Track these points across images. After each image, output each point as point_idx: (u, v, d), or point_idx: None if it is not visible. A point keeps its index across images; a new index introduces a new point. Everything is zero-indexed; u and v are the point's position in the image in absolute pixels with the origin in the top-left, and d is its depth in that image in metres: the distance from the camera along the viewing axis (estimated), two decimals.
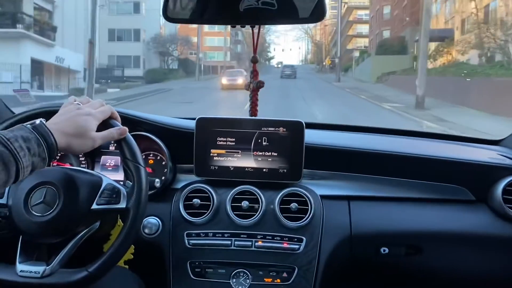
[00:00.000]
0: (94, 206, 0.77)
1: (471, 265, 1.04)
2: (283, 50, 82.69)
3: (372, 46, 32.53)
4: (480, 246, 1.02)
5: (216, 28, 39.89)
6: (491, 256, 1.03)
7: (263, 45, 59.75)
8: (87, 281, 0.76)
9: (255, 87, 0.79)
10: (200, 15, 0.83)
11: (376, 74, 22.61)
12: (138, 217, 0.80)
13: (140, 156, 0.82)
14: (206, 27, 41.83)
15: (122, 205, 0.79)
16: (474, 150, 1.22)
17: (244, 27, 0.74)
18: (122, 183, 0.86)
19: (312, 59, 71.25)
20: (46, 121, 0.76)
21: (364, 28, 44.00)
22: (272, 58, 69.39)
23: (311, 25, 54.65)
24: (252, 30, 0.72)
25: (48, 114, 0.82)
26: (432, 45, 17.91)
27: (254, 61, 0.77)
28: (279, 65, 47.08)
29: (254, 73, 0.78)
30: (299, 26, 53.19)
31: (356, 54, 38.50)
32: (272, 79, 23.59)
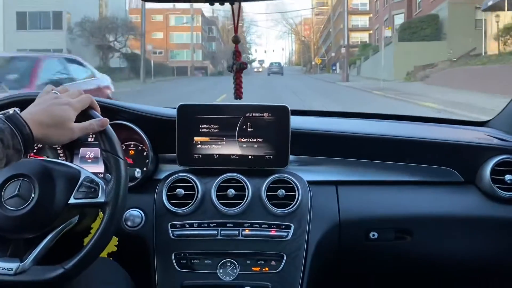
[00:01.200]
0: (72, 200, 0.75)
1: (460, 247, 1.04)
2: (265, 52, 76.37)
3: (377, 37, 26.78)
4: (469, 228, 1.03)
5: (185, 19, 36.35)
6: (481, 238, 1.04)
7: (243, 45, 57.31)
8: (62, 279, 0.73)
9: (238, 68, 0.77)
10: None
11: (402, 68, 16.31)
12: (117, 212, 0.78)
13: (119, 148, 0.81)
14: (172, 21, 38.08)
15: (101, 199, 0.76)
16: (462, 131, 1.23)
17: (223, 4, 0.72)
18: (101, 175, 0.85)
19: (297, 60, 66.71)
20: (20, 111, 0.73)
21: (360, 20, 38.76)
22: (253, 60, 63.28)
23: (296, 21, 52.12)
24: (232, 7, 0.70)
25: (23, 103, 0.80)
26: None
27: (236, 41, 0.75)
28: (260, 69, 42.47)
29: (236, 54, 0.76)
30: (284, 21, 51.31)
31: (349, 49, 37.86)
32: (255, 86, 16.04)
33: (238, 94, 0.85)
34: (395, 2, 24.28)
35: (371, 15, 35.87)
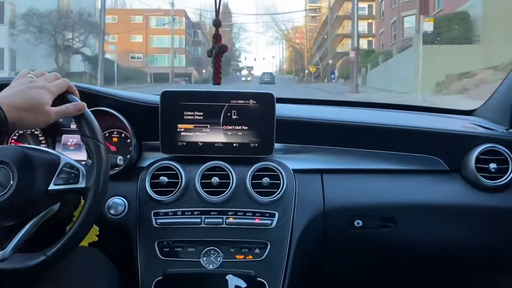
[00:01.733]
0: (52, 187, 0.79)
1: (444, 235, 1.12)
2: (255, 59, 77.83)
3: (382, 42, 25.52)
4: (453, 216, 1.11)
5: (167, 21, 34.26)
6: (465, 226, 1.12)
7: (232, 51, 51.92)
8: (44, 266, 0.78)
9: (217, 51, 0.86)
10: None
11: (429, 77, 13.14)
12: (99, 197, 0.82)
13: (99, 133, 0.85)
14: (153, 22, 36.22)
15: (82, 184, 0.81)
16: (447, 120, 1.32)
17: None
18: (84, 162, 0.88)
19: (288, 69, 65.45)
20: None
21: (359, 25, 38.06)
22: (242, 68, 61.61)
23: (288, 26, 50.49)
24: None
25: None
26: None
27: (216, 24, 0.84)
28: (249, 77, 39.53)
29: (217, 38, 0.86)
30: (275, 27, 50.01)
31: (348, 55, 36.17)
32: None
33: (216, 80, 0.93)
34: (405, 2, 21.99)
35: (370, 20, 34.56)
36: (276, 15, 47.90)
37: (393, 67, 17.81)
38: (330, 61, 35.71)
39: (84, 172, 0.82)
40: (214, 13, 0.87)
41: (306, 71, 41.87)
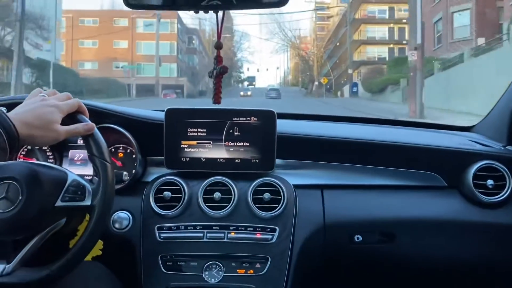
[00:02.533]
0: (59, 203, 0.91)
1: (443, 251, 1.27)
2: (258, 70, 78.55)
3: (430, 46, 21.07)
4: (452, 232, 1.26)
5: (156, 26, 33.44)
6: (463, 242, 1.26)
7: (233, 61, 50.21)
8: (48, 280, 0.90)
9: (218, 72, 1.08)
10: (162, 0, 1.01)
11: None
12: (104, 215, 0.95)
13: (107, 152, 0.98)
14: (141, 27, 35.77)
15: (87, 202, 0.94)
16: (445, 136, 1.48)
17: (207, 12, 0.93)
18: (90, 178, 1.02)
19: (293, 80, 65.81)
20: (7, 111, 0.90)
21: (378, 31, 36.39)
22: (244, 80, 61.85)
23: (296, 34, 49.48)
24: (216, 15, 1.01)
25: (11, 105, 0.98)
26: None
27: (218, 47, 1.05)
28: (249, 92, 37.26)
29: (218, 59, 1.05)
30: (281, 34, 47.50)
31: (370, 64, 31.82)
32: None
33: (216, 99, 1.09)
34: None
35: (391, 24, 34.02)
36: (282, 22, 47.14)
37: (466, 77, 13.74)
38: (350, 71, 33.96)
39: (90, 190, 0.95)
40: (213, 20, 1.03)
41: (316, 83, 40.87)
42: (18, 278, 0.89)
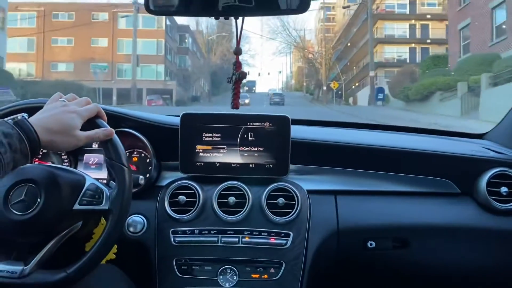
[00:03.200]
0: (76, 206, 1.01)
1: (457, 258, 1.39)
2: (259, 74, 76.24)
3: (473, 40, 18.46)
4: (465, 239, 1.37)
5: (141, 20, 32.01)
6: (477, 248, 1.38)
7: (231, 63, 52.54)
8: (65, 283, 0.99)
9: (237, 78, 1.25)
10: (183, 7, 1.12)
11: None
12: (120, 219, 1.04)
13: (124, 157, 1.08)
14: (122, 23, 33.64)
15: (105, 206, 1.04)
16: (459, 143, 1.62)
17: (227, 18, 1.05)
18: (105, 182, 1.13)
19: (296, 85, 65.78)
20: (29, 117, 0.98)
21: (397, 28, 33.44)
22: (244, 85, 59.89)
23: (301, 33, 46.27)
24: (236, 21, 1.13)
25: (32, 110, 1.08)
26: None
27: (237, 52, 1.12)
28: (246, 100, 32.56)
29: (237, 65, 1.14)
30: (284, 34, 44.87)
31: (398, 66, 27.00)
32: None
33: (235, 104, 1.16)
34: None
35: (413, 21, 31.88)
36: (286, 21, 45.00)
37: None
38: (372, 73, 28.38)
39: (108, 194, 1.05)
40: (212, 19, 1.17)
41: (324, 88, 38.70)
42: (35, 280, 0.98)
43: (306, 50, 49.02)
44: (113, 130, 1.09)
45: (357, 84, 39.04)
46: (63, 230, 1.03)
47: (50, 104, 1.06)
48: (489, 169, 1.43)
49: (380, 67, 32.71)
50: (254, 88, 51.25)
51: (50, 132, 0.99)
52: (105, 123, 1.09)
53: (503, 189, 1.41)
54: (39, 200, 0.98)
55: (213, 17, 1.11)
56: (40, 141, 0.97)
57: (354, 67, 41.52)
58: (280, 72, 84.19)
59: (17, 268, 0.98)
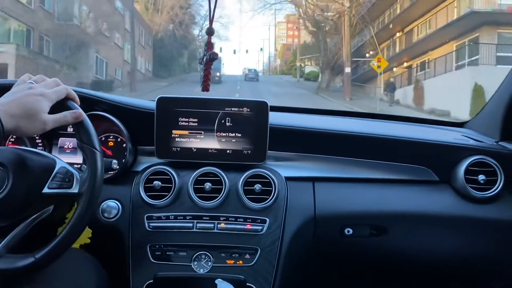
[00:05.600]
0: (46, 190, 0.99)
1: (434, 246, 1.38)
2: (234, 52, 62.51)
3: None
4: (443, 227, 1.36)
5: None
6: (454, 236, 1.38)
7: (195, 37, 36.37)
8: (33, 268, 0.96)
9: (208, 59, 1.21)
10: None
11: None
12: (91, 203, 1.02)
13: (96, 140, 1.05)
14: None
15: (75, 190, 1.02)
16: (439, 131, 1.60)
17: None
18: (78, 166, 1.11)
19: (285, 67, 49.93)
20: None
21: None
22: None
23: None
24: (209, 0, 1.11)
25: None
26: None
27: (210, 33, 1.07)
28: (216, 77, 24.70)
29: (208, 46, 1.09)
30: None
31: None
32: None
33: (205, 87, 1.15)
34: None
35: None
36: None
37: None
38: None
39: (78, 177, 1.03)
40: None
41: (347, 70, 21.86)
42: (2, 265, 0.95)
43: (307, 9, 28.04)
44: (83, 113, 1.05)
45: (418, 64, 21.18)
46: (33, 214, 1.00)
47: (16, 87, 1.01)
48: (467, 157, 1.43)
49: (486, 24, 16.47)
50: (218, 74, 29.33)
51: (14, 117, 0.94)
52: (76, 105, 1.06)
53: (481, 177, 1.41)
54: (7, 182, 0.95)
55: None
56: (4, 127, 0.93)
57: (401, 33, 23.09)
58: (261, 49, 68.38)
59: None
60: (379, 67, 19.39)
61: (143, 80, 26.53)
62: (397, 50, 24.74)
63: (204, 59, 1.12)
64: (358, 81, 24.42)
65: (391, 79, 21.68)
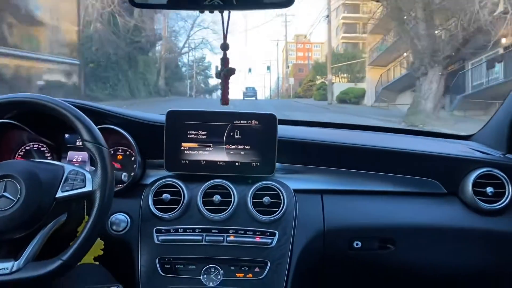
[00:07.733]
0: (59, 194, 1.01)
1: (443, 258, 1.37)
2: (250, 71, 52.18)
3: None
4: (451, 238, 1.36)
5: None
6: (463, 248, 1.37)
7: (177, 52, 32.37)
8: (63, 270, 0.97)
9: (226, 74, 1.22)
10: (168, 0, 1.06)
11: None
12: (107, 198, 1.03)
13: (100, 137, 1.07)
14: None
15: (88, 187, 1.03)
16: (446, 144, 1.61)
17: (212, 12, 1.03)
18: (88, 170, 1.09)
19: (301, 87, 40.23)
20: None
21: None
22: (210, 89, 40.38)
23: None
24: (222, 15, 1.14)
25: (21, 105, 1.09)
26: None
27: (225, 48, 1.08)
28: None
29: (224, 61, 1.11)
30: None
31: None
32: None
33: (224, 100, 1.22)
34: None
35: None
36: None
37: None
38: None
39: (89, 176, 1.04)
40: None
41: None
42: (31, 272, 0.97)
43: None
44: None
45: None
46: (49, 222, 1.03)
47: None
48: (475, 169, 1.42)
49: None
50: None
51: None
52: None
53: (489, 189, 1.40)
54: (19, 193, 0.98)
55: (199, 11, 1.09)
56: None
57: None
58: (268, 68, 57.06)
59: (8, 264, 0.97)
60: None
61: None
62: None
63: (222, 74, 1.15)
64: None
65: None
